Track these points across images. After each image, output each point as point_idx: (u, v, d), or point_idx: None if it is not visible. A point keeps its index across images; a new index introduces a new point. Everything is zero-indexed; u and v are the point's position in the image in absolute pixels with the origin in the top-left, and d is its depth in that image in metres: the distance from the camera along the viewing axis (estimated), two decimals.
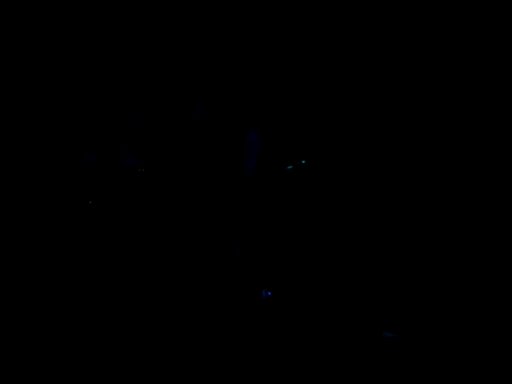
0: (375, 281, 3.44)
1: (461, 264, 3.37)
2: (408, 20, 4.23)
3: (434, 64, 4.09)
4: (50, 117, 4.13)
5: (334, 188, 3.89)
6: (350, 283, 3.41)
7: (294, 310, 3.14)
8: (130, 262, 3.57)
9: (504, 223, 3.44)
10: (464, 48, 3.98)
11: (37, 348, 3.06)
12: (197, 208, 3.80)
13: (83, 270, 3.51)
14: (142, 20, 4.42)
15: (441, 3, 4.12)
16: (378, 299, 3.32)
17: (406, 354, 3.02)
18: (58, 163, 3.95)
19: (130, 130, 4.07)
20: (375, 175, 3.87)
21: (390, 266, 3.51)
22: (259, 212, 3.80)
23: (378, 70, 4.29)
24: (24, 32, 4.23)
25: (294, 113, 4.21)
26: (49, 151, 3.98)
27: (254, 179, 3.92)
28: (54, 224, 3.65)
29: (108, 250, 3.61)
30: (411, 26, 4.24)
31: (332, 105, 4.22)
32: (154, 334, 3.17)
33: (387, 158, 3.92)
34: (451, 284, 3.33)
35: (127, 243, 3.66)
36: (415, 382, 2.91)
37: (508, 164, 3.55)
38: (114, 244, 3.63)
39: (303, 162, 4.03)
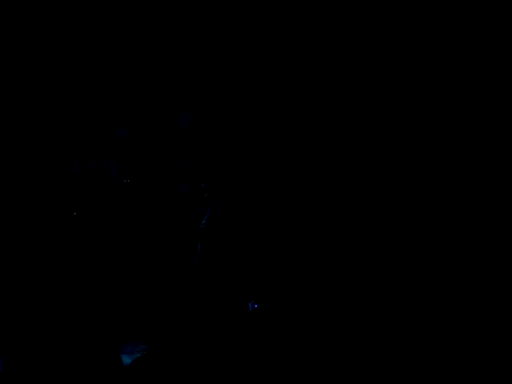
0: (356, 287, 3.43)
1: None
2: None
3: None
4: (37, 128, 4.10)
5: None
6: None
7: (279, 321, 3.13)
8: (116, 270, 3.56)
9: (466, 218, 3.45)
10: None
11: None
12: (185, 218, 3.77)
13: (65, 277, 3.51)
14: (126, 33, 4.44)
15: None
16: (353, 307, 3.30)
17: None
18: (45, 173, 3.92)
19: (115, 141, 4.04)
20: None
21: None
22: (245, 221, 3.78)
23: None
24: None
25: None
26: (36, 162, 3.97)
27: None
28: (40, 232, 3.62)
29: (93, 257, 3.59)
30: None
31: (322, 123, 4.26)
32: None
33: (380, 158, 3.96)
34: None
35: (112, 251, 3.63)
36: None
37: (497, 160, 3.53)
38: (99, 252, 3.61)
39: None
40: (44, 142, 4.05)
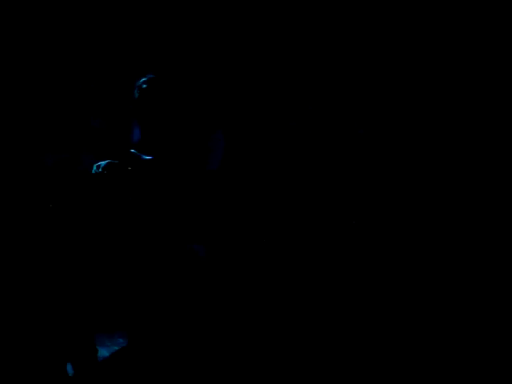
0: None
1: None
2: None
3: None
4: (10, 119, 4.04)
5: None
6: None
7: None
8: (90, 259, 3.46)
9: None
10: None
11: None
12: (157, 208, 3.70)
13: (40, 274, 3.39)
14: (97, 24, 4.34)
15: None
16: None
17: None
18: (18, 165, 3.84)
19: (89, 132, 3.97)
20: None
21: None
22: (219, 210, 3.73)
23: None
24: None
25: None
26: (9, 153, 3.88)
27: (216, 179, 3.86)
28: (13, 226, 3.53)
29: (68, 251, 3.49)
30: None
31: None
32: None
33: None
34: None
35: (88, 241, 3.55)
36: None
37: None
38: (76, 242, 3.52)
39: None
40: (15, 133, 3.94)
